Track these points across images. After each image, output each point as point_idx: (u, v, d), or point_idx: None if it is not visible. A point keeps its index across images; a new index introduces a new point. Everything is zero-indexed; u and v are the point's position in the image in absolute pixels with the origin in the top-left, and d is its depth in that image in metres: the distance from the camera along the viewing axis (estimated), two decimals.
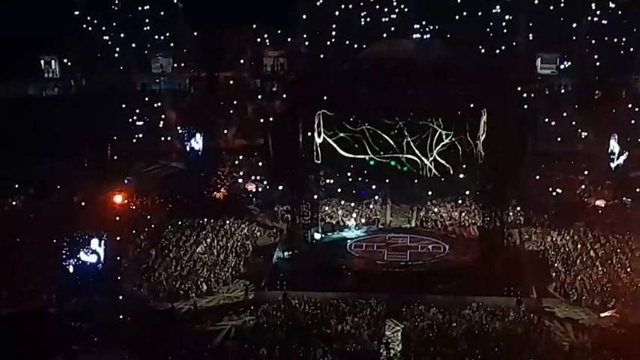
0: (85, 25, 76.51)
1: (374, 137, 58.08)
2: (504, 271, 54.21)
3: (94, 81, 78.21)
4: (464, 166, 59.06)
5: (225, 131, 75.62)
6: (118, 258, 53.23)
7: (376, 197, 68.99)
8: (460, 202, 68.65)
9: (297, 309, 50.60)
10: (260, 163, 71.08)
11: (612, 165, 68.16)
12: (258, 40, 78.99)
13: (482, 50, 75.75)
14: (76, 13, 75.79)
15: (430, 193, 68.14)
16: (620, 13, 77.42)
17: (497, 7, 78.13)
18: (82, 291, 49.08)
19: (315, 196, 62.03)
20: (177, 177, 70.88)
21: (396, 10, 78.64)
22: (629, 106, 73.39)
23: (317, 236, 61.50)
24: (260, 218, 67.50)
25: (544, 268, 56.67)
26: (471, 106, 57.12)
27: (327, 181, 67.67)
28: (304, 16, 77.03)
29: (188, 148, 71.66)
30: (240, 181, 71.28)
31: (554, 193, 68.83)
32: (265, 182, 71.19)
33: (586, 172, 70.01)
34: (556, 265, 56.77)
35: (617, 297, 50.97)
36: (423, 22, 77.28)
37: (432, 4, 77.66)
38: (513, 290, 51.83)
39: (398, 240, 61.61)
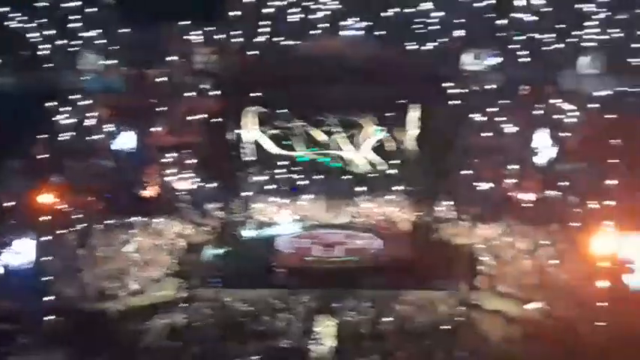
0: (8, 22, 75.08)
1: (305, 133, 58.21)
2: (435, 266, 54.95)
3: (21, 78, 76.76)
4: (395, 161, 59.49)
5: (156, 129, 74.81)
6: (46, 258, 52.48)
7: (308, 194, 68.99)
8: (392, 197, 68.94)
9: (229, 306, 50.55)
10: (191, 161, 70.49)
11: (539, 159, 69.18)
12: (189, 36, 78.20)
13: (413, 46, 76.25)
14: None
15: (362, 188, 68.42)
16: (546, 9, 78.65)
17: (428, 3, 78.67)
18: (8, 292, 48.32)
19: (247, 193, 61.96)
20: (107, 175, 69.79)
21: (327, 7, 78.68)
22: (556, 100, 74.58)
23: (249, 233, 61.43)
24: (191, 216, 66.95)
25: (473, 262, 57.39)
26: (402, 101, 57.66)
27: (259, 178, 67.46)
28: (235, 13, 76.56)
29: (118, 146, 70.91)
30: (171, 178, 70.64)
31: (483, 188, 69.61)
32: (197, 180, 70.67)
33: (514, 167, 70.91)
34: (485, 258, 57.51)
35: (545, 289, 51.91)
36: (354, 19, 77.47)
37: (362, 0, 77.98)
38: (444, 284, 52.50)
39: (330, 236, 61.88)
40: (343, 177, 63.75)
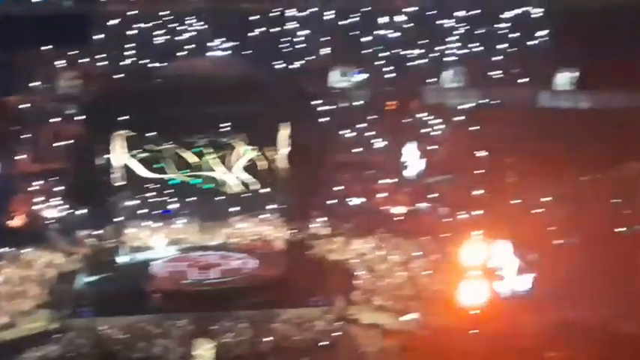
0: None
1: (175, 156, 57.74)
2: (311, 283, 55.13)
3: None
4: (267, 180, 59.64)
5: (21, 156, 72.92)
6: None
7: (181, 216, 68.34)
8: (265, 216, 68.99)
9: (103, 335, 49.49)
10: (60, 188, 68.93)
11: (409, 172, 70.54)
12: (53, 61, 76.70)
13: (280, 65, 76.91)
14: None
15: (235, 209, 68.21)
16: (408, 26, 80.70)
17: (293, 22, 79.60)
18: None
19: (118, 219, 60.94)
20: None
21: (193, 28, 78.58)
22: (421, 114, 76.41)
23: (123, 259, 60.38)
24: (62, 244, 65.30)
25: (348, 277, 57.77)
26: (271, 120, 57.85)
27: (130, 202, 66.38)
28: (99, 36, 75.55)
29: None
30: (39, 207, 68.87)
31: (354, 203, 70.52)
32: (66, 207, 69.10)
33: (385, 181, 72.13)
34: (360, 272, 58.05)
35: (419, 300, 52.81)
36: (221, 39, 77.62)
37: (228, 21, 78.20)
38: (320, 300, 52.77)
39: (205, 258, 61.37)
40: (216, 198, 63.43)
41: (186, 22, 78.68)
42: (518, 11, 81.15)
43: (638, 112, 73.07)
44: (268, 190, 62.71)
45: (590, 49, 74.72)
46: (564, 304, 50.53)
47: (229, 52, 76.94)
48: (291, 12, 78.92)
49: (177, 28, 78.67)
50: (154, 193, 62.21)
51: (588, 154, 67.54)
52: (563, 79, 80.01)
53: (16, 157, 71.70)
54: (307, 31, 79.38)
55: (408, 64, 79.26)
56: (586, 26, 75.27)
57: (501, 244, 52.20)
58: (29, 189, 69.30)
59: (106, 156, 57.14)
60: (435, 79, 79.12)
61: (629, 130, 68.60)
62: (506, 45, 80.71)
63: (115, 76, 73.14)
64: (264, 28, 79.24)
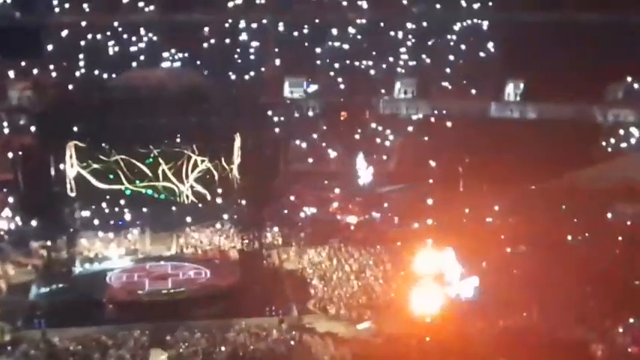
0: None
1: (129, 166, 57.71)
2: (265, 292, 55.44)
3: None
4: (220, 190, 59.80)
5: None
6: None
7: (135, 227, 68.12)
8: (219, 226, 69.13)
9: (57, 347, 49.18)
10: (10, 199, 68.31)
11: (361, 182, 71.18)
12: (3, 72, 76.04)
13: (232, 76, 77.15)
14: None
15: (189, 219, 68.26)
16: (359, 37, 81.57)
17: (244, 34, 79.94)
18: None
19: (72, 230, 60.64)
20: None
21: (145, 39, 78.55)
22: (373, 125, 77.16)
23: (75, 270, 60.04)
24: (14, 256, 64.64)
25: (303, 286, 58.12)
26: (224, 131, 58.04)
27: (83, 213, 66.04)
28: (50, 47, 75.14)
29: None
30: None
31: (308, 213, 70.95)
32: (17, 218, 68.52)
33: (337, 190, 72.68)
34: (314, 282, 58.43)
35: (373, 308, 53.36)
36: (172, 50, 77.67)
37: (180, 32, 78.29)
38: (275, 310, 53.03)
39: (159, 268, 61.28)
40: (170, 208, 63.38)
41: (138, 34, 78.60)
42: (466, 24, 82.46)
43: (582, 123, 74.83)
44: (221, 200, 62.79)
45: (536, 61, 76.18)
46: (513, 310, 51.46)
47: (181, 63, 77.01)
48: (243, 23, 79.21)
49: (130, 40, 78.55)
50: (108, 204, 61.94)
51: (534, 163, 68.77)
52: (510, 90, 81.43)
53: None
54: (259, 43, 79.70)
55: (360, 75, 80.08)
56: (531, 39, 76.80)
57: (449, 252, 53.11)
58: None
59: (58, 167, 56.78)
60: (386, 90, 79.94)
61: (574, 140, 70.19)
62: (454, 57, 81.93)
63: (66, 87, 72.62)
64: (216, 40, 79.33)
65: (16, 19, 77.43)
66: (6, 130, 74.58)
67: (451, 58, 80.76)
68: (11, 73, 76.49)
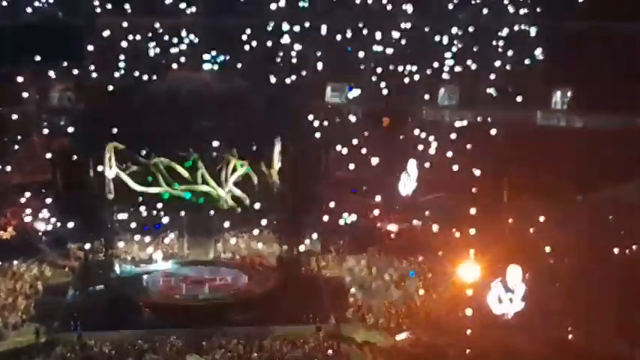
0: None
1: (168, 170, 57.36)
2: (303, 299, 54.72)
3: None
4: (259, 195, 59.31)
5: (11, 168, 72.39)
6: None
7: (173, 231, 67.77)
8: (258, 232, 68.49)
9: (92, 350, 48.94)
10: (49, 200, 68.38)
11: (402, 190, 70.25)
12: (44, 73, 76.38)
13: (273, 80, 76.67)
14: None
15: (227, 224, 67.69)
16: (403, 42, 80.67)
17: (286, 37, 79.43)
18: None
19: (109, 232, 60.44)
20: None
21: (186, 41, 78.31)
22: (416, 131, 76.23)
23: (113, 273, 59.79)
24: (51, 257, 64.64)
25: (341, 294, 57.42)
26: (264, 135, 57.58)
27: (121, 216, 65.79)
28: (91, 48, 75.23)
29: None
30: (28, 219, 68.28)
31: (348, 219, 70.17)
32: (55, 219, 68.50)
33: (378, 198, 71.88)
34: (353, 290, 57.63)
35: (412, 318, 52.48)
36: (213, 53, 77.38)
37: (221, 34, 78.00)
38: (312, 317, 52.38)
39: (196, 273, 60.82)
40: (208, 213, 62.99)
41: (179, 36, 78.44)
42: (513, 30, 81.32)
43: (631, 133, 73.21)
44: (260, 205, 62.27)
45: (584, 69, 74.87)
46: (555, 323, 50.38)
47: (222, 66, 76.66)
48: (285, 27, 78.71)
49: (170, 42, 78.39)
50: (146, 207, 61.64)
51: (580, 173, 67.50)
52: (557, 98, 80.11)
53: (7, 169, 71.19)
54: (301, 46, 79.15)
55: (403, 80, 79.23)
56: (579, 46, 75.53)
57: (501, 265, 51.60)
58: (20, 201, 68.77)
59: (97, 169, 56.66)
60: (430, 97, 79.05)
61: (622, 150, 68.66)
62: (500, 63, 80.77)
63: (107, 89, 72.70)
64: (257, 43, 78.95)
65: (58, 20, 77.67)
66: (46, 131, 74.65)
67: (497, 64, 79.47)
68: (52, 74, 76.61)
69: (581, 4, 77.57)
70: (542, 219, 66.30)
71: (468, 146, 74.74)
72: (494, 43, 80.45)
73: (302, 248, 60.73)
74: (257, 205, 61.74)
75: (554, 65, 78.18)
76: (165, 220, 66.52)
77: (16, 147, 74.38)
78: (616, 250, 61.78)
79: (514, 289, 48.59)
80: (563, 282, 56.40)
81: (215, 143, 58.81)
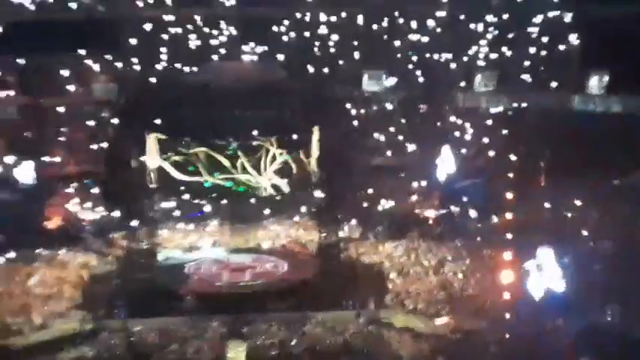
0: None
1: (208, 159, 58.19)
2: (342, 285, 55.42)
3: None
4: (298, 183, 59.97)
5: (56, 159, 73.76)
6: None
7: (214, 219, 68.78)
8: (297, 219, 69.30)
9: (136, 336, 49.94)
10: (93, 190, 69.64)
11: (440, 176, 70.55)
12: (87, 65, 77.65)
13: (310, 69, 77.33)
14: None
15: (267, 212, 68.60)
16: (438, 30, 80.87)
17: (323, 27, 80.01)
18: None
19: (152, 221, 61.44)
20: (4, 208, 68.33)
21: (225, 32, 79.24)
22: (452, 118, 76.52)
23: (155, 261, 60.83)
24: (95, 246, 65.84)
25: (380, 280, 57.81)
26: (302, 124, 58.16)
27: (164, 204, 66.92)
28: (133, 40, 76.38)
29: (17, 178, 69.58)
30: (73, 209, 69.58)
31: (386, 206, 70.66)
32: (100, 209, 69.80)
33: (415, 184, 72.26)
34: (391, 276, 58.11)
35: (451, 304, 52.85)
36: (252, 44, 78.16)
37: (259, 25, 78.72)
38: (352, 303, 53.03)
39: (237, 260, 61.70)
40: (248, 201, 63.76)
41: (218, 27, 79.34)
42: (548, 15, 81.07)
43: None
44: (299, 193, 62.92)
45: (621, 53, 74.51)
46: (594, 308, 50.44)
47: (261, 56, 77.46)
48: (322, 17, 79.33)
49: (210, 33, 79.32)
50: (187, 196, 62.51)
51: (618, 157, 67.40)
52: (594, 83, 79.78)
53: (51, 160, 72.53)
54: (338, 36, 79.69)
55: (439, 68, 79.44)
56: (616, 30, 75.12)
57: (539, 248, 51.68)
58: (64, 191, 70.04)
59: (140, 158, 57.59)
60: (466, 83, 79.17)
61: None
62: (536, 49, 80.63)
63: (148, 80, 73.82)
64: (295, 33, 79.65)
65: (100, 12, 78.87)
66: (89, 123, 75.94)
67: (532, 50, 79.35)
68: (95, 67, 77.88)
69: None
70: (579, 202, 66.39)
71: (505, 132, 74.91)
72: (529, 28, 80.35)
73: (341, 235, 61.31)
74: (296, 193, 62.37)
75: (591, 49, 77.84)
76: (207, 208, 67.52)
77: (60, 138, 75.66)
78: None
79: (549, 270, 48.92)
80: (602, 265, 56.48)
81: (254, 132, 59.40)
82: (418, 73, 79.78)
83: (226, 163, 61.02)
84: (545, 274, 49.29)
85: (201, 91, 58.55)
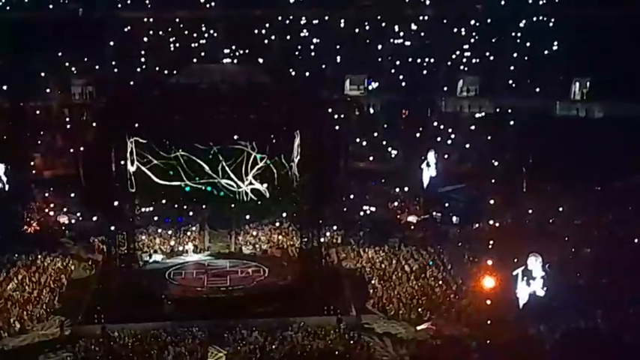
0: None
1: (189, 163, 57.58)
2: (324, 291, 55.03)
3: None
4: (279, 188, 59.55)
5: (33, 162, 73.07)
6: None
7: (194, 223, 68.31)
8: (278, 224, 68.96)
9: (116, 342, 49.36)
10: (72, 194, 68.98)
11: (424, 181, 70.38)
12: (65, 67, 77.00)
13: (292, 73, 76.99)
14: None
15: (248, 216, 68.17)
16: (422, 34, 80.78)
17: (305, 30, 79.72)
18: None
19: (132, 226, 60.88)
20: None
21: (206, 35, 78.83)
22: (435, 123, 76.41)
23: (135, 266, 60.25)
24: (74, 251, 65.19)
25: (362, 285, 57.65)
26: (284, 128, 57.73)
27: (143, 209, 66.36)
28: (112, 43, 75.83)
29: None
30: (51, 213, 68.92)
31: (368, 211, 70.43)
32: (78, 213, 69.17)
33: (397, 189, 72.03)
34: (373, 281, 57.85)
35: (432, 309, 52.52)
36: (233, 47, 77.71)
37: (240, 28, 78.38)
38: (333, 309, 52.57)
39: (217, 265, 61.27)
40: (229, 206, 63.37)
41: (199, 30, 78.94)
42: (531, 21, 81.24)
43: None
44: (280, 198, 62.55)
45: (603, 59, 74.72)
46: (576, 313, 50.33)
47: (242, 59, 77.03)
48: (304, 20, 79.04)
49: (191, 36, 78.93)
50: (167, 201, 62.00)
51: (600, 163, 67.45)
52: (576, 88, 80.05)
53: (30, 163, 71.90)
54: (320, 39, 79.46)
55: (422, 72, 79.44)
56: (598, 36, 75.31)
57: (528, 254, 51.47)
58: (43, 195, 69.43)
59: (119, 162, 57.03)
60: (449, 88, 79.21)
61: None
62: (518, 54, 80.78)
63: (128, 83, 73.32)
64: (276, 36, 79.35)
65: (79, 14, 78.33)
66: (68, 126, 75.29)
67: (515, 55, 79.44)
68: (73, 69, 77.25)
69: None
70: (561, 209, 66.39)
71: (487, 137, 74.91)
72: (512, 33, 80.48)
73: (322, 240, 60.96)
74: (277, 198, 61.98)
75: (573, 55, 78.03)
76: (187, 213, 67.02)
77: (39, 142, 75.04)
78: (637, 240, 61.74)
79: (535, 277, 48.82)
80: (584, 271, 56.44)
81: (235, 136, 58.93)
82: (401, 77, 79.68)
83: (207, 167, 60.46)
84: (530, 281, 49.22)
85: (181, 95, 57.97)
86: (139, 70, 76.63)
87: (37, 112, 75.36)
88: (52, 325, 52.51)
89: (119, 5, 78.07)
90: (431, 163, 69.79)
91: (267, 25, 78.97)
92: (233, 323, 50.83)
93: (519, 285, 49.13)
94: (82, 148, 66.00)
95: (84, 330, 51.16)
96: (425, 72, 79.57)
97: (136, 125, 57.08)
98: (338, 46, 79.63)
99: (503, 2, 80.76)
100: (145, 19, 77.66)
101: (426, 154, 69.94)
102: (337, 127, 71.65)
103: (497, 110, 78.95)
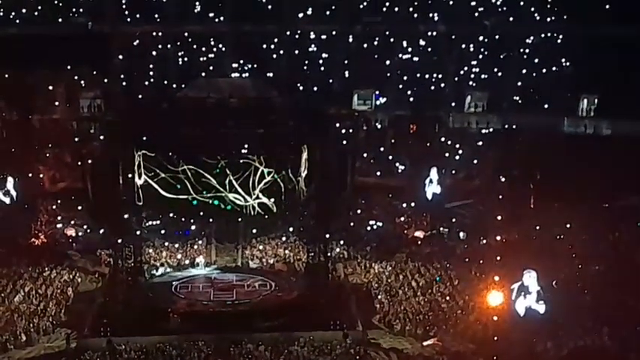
0: None
1: (196, 177, 57.63)
2: (330, 306, 54.92)
3: None
4: (287, 202, 59.56)
5: (42, 175, 73.19)
6: None
7: (201, 237, 68.33)
8: (285, 238, 68.94)
9: (122, 355, 49.34)
10: (80, 207, 69.07)
11: (429, 196, 70.31)
12: (74, 81, 77.20)
13: (300, 87, 77.12)
14: None
15: (254, 230, 68.22)
16: (430, 50, 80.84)
17: (313, 45, 79.86)
18: None
19: (139, 239, 60.92)
20: None
21: (214, 50, 78.99)
22: (442, 139, 76.38)
23: (142, 279, 60.25)
24: (81, 263, 65.23)
25: (368, 300, 57.65)
26: (291, 142, 57.80)
27: (150, 222, 66.42)
28: (120, 56, 76.00)
29: (2, 195, 68.99)
30: (59, 226, 68.99)
31: (375, 226, 70.37)
32: (85, 226, 69.24)
33: (404, 205, 71.96)
34: (379, 296, 57.80)
35: (438, 325, 52.46)
36: (241, 61, 77.84)
37: (249, 43, 78.52)
38: (339, 324, 52.48)
39: (224, 279, 61.27)
40: (236, 220, 63.40)
41: (208, 44, 79.06)
42: (540, 37, 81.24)
43: None
44: (287, 212, 62.54)
45: (611, 76, 74.68)
46: (583, 330, 50.18)
47: (250, 74, 77.14)
48: (312, 35, 79.21)
49: (199, 50, 79.10)
50: (175, 214, 62.06)
51: (608, 180, 67.31)
52: (584, 105, 80.00)
53: (39, 176, 72.01)
54: (328, 54, 79.57)
55: (430, 88, 79.47)
56: (606, 53, 75.30)
57: (523, 270, 51.51)
58: (50, 208, 69.50)
59: (127, 176, 57.11)
60: (456, 104, 79.21)
61: None
62: (526, 71, 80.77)
63: (136, 97, 73.54)
64: (285, 51, 79.46)
65: (88, 28, 78.57)
66: (76, 139, 75.43)
67: (523, 71, 79.46)
68: (82, 82, 77.46)
69: (606, 10, 77.34)
70: (568, 225, 66.23)
71: (495, 153, 74.84)
72: (520, 50, 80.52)
73: (329, 255, 60.91)
74: (284, 212, 61.97)
75: (581, 72, 78.06)
76: (194, 226, 67.07)
77: (47, 155, 75.15)
78: None
79: (531, 292, 48.78)
80: (591, 288, 56.30)
81: (243, 150, 59.01)
82: (409, 92, 79.73)
83: (214, 181, 60.50)
84: (529, 296, 49.22)
85: (189, 109, 58.10)
86: (147, 83, 76.68)
87: (46, 125, 75.39)
88: (58, 338, 52.72)
89: (128, 19, 78.16)
90: (434, 180, 69.81)
91: (275, 39, 79.07)
92: (239, 337, 50.82)
93: (517, 300, 49.18)
94: (89, 162, 66.16)
95: (90, 343, 51.17)
96: (432, 87, 79.62)
97: (144, 139, 57.18)
98: (346, 61, 79.72)
99: (511, 18, 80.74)
100: (154, 33, 77.83)
101: (433, 170, 69.92)
102: (345, 142, 71.59)
103: (505, 126, 78.92)
